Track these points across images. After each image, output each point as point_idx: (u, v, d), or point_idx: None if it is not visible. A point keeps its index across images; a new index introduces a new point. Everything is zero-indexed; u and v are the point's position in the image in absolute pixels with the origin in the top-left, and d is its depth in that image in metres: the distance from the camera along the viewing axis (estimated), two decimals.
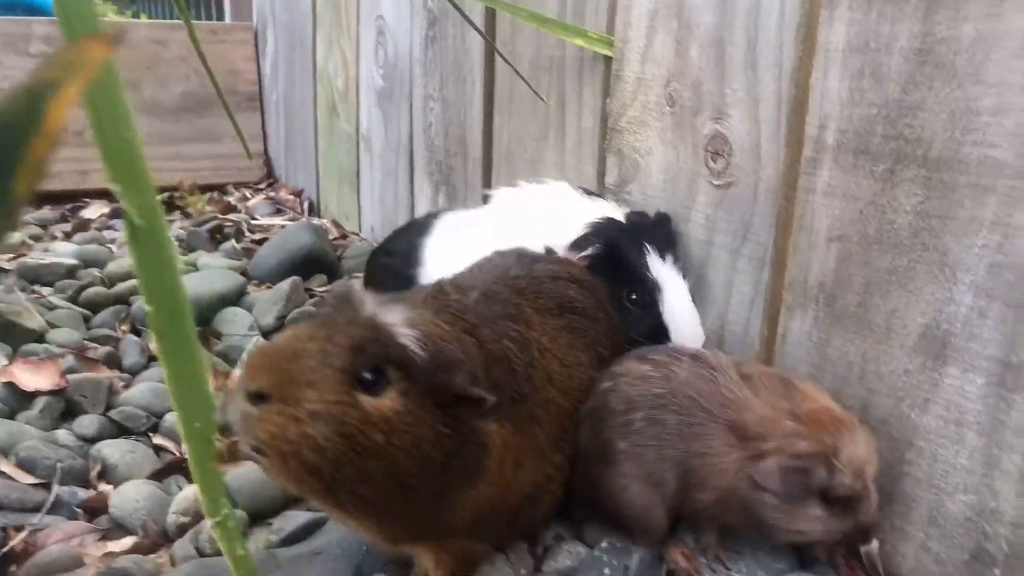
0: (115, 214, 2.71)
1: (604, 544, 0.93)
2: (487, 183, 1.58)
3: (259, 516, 1.10)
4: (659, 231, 1.07)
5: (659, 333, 1.03)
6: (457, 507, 0.78)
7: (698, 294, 1.09)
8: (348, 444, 0.67)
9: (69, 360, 1.47)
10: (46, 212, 2.67)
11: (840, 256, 0.91)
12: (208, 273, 1.87)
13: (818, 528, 0.80)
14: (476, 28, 1.41)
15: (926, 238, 0.81)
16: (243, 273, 1.95)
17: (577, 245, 1.05)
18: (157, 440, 1.30)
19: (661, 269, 1.04)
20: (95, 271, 1.95)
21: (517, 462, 0.80)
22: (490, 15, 1.51)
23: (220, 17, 3.64)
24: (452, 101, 1.68)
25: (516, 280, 0.93)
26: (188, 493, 1.11)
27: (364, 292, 0.73)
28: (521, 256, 0.99)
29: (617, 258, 1.03)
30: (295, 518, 1.07)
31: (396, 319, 0.70)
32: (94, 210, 2.72)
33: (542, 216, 1.13)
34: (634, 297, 1.04)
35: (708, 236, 1.08)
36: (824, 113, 0.90)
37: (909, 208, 0.83)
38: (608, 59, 1.22)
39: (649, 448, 0.86)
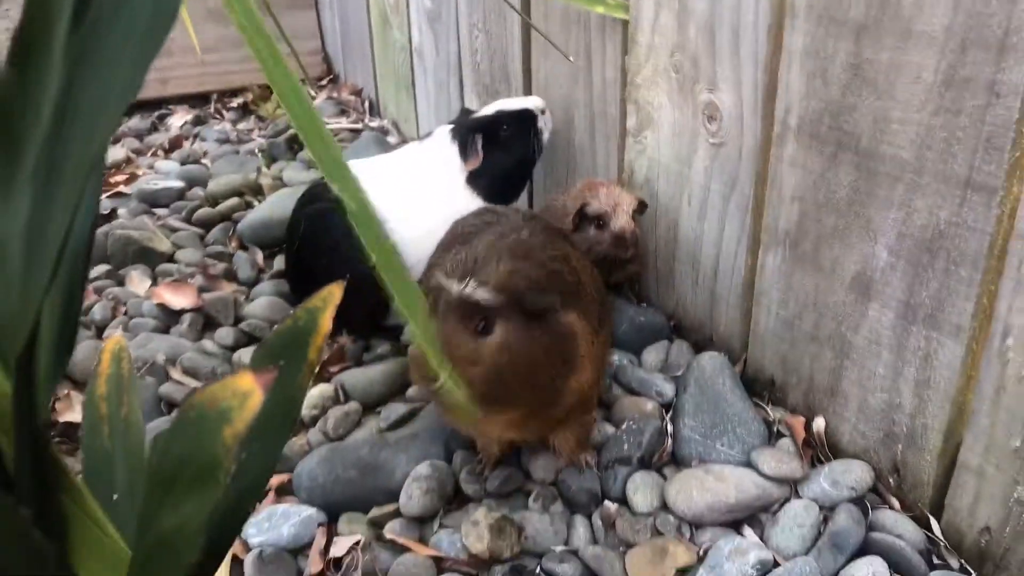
0: (197, 120, 3.00)
1: (624, 425, 1.28)
2: None
3: (369, 407, 1.47)
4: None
5: None
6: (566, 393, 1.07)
7: (698, 228, 1.37)
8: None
9: (199, 279, 1.83)
10: (136, 121, 2.97)
11: (800, 212, 1.18)
12: (297, 191, 2.19)
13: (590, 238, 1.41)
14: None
15: (857, 208, 1.08)
16: None
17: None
18: None
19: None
20: (199, 190, 2.29)
21: (590, 343, 1.10)
22: None
23: None
24: (495, 34, 1.91)
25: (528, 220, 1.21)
26: (316, 391, 1.48)
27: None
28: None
29: None
30: (396, 408, 1.43)
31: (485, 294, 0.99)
32: (178, 117, 3.02)
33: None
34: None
35: (706, 183, 1.34)
36: (788, 101, 1.14)
37: (846, 184, 1.09)
38: (626, 22, 1.44)
39: None
